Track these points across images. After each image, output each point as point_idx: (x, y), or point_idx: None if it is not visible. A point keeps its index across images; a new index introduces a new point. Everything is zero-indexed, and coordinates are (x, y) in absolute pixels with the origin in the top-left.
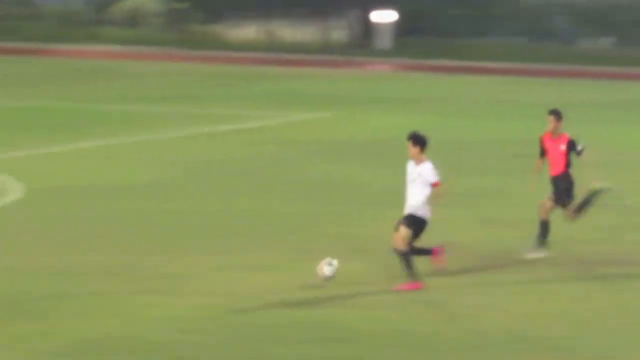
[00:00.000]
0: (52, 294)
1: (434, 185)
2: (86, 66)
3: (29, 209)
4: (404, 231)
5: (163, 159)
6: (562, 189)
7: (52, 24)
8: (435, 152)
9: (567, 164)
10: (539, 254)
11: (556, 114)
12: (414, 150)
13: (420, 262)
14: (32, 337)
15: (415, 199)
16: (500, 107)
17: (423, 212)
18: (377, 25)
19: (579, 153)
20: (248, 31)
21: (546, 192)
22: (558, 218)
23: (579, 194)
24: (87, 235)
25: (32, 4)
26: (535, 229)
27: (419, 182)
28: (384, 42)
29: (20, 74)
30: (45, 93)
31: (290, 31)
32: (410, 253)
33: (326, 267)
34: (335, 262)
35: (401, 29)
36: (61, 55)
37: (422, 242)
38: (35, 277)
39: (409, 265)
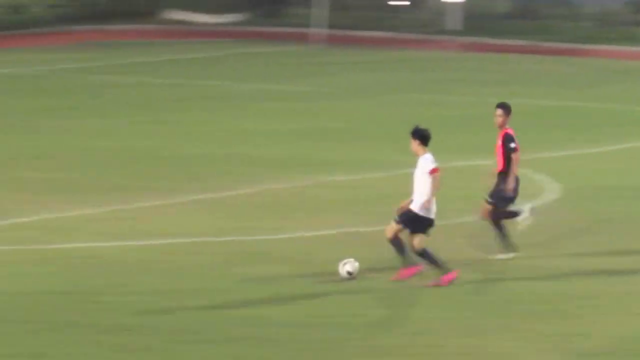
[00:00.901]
0: (587, 294)
1: (432, 172)
2: (622, 67)
3: (565, 209)
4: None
5: None
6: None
7: (590, 24)
8: None
9: (508, 161)
10: (509, 255)
11: (504, 107)
12: (413, 144)
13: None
14: (573, 338)
15: (416, 195)
16: None
17: (424, 210)
18: None
19: (510, 150)
20: None
21: None
22: None
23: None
24: (619, 236)
25: (571, 4)
26: None
27: (419, 176)
28: None
29: (559, 75)
30: (583, 93)
31: None
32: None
33: (342, 267)
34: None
35: None
36: (598, 56)
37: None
38: (571, 277)
39: (432, 260)
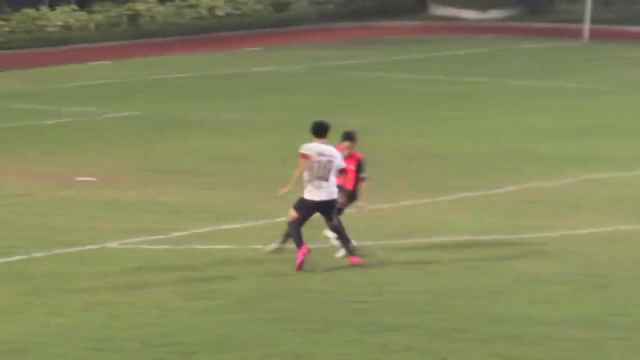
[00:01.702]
0: None
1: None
2: None
3: None
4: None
5: None
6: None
7: None
8: None
9: (356, 184)
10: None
11: (350, 138)
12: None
13: None
14: None
15: None
16: None
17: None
18: None
19: (360, 179)
20: None
21: None
22: None
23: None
24: None
25: None
26: None
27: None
28: None
29: None
30: None
31: None
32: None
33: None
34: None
35: None
36: None
37: None
38: None
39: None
